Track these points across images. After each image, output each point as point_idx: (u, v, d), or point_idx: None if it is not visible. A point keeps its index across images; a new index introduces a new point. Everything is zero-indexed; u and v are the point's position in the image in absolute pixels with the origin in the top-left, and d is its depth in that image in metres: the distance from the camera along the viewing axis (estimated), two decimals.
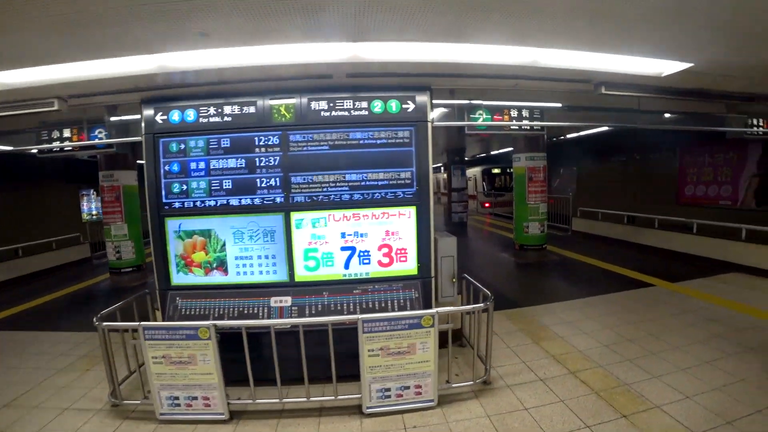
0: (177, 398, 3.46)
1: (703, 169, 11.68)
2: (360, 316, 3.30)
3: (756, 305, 5.46)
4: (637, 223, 10.47)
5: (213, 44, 3.04)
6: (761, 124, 6.19)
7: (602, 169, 15.04)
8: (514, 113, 4.72)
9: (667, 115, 6.86)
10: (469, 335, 4.51)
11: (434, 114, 4.58)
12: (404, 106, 3.93)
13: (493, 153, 19.03)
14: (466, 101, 4.64)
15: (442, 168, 22.18)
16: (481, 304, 3.67)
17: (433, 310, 3.36)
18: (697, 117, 5.78)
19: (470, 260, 9.12)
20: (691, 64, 3.73)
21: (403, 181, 3.97)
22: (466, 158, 20.82)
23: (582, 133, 11.20)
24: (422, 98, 3.94)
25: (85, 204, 17.25)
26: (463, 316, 4.57)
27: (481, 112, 4.61)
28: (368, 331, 3.30)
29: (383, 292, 4.00)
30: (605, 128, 10.29)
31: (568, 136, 11.89)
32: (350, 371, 3.39)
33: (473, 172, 22.81)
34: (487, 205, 20.92)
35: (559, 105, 5.11)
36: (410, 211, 3.99)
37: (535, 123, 4.80)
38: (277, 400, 3.49)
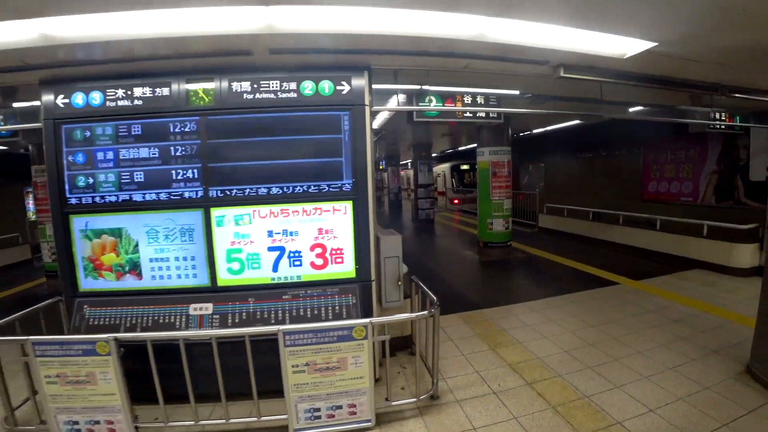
0: (77, 423, 2.93)
1: (666, 166, 11.71)
2: (281, 328, 2.80)
3: (717, 303, 5.28)
4: (603, 219, 10.38)
5: (105, 6, 2.49)
6: (724, 117, 6.04)
7: (569, 165, 15.00)
8: (467, 99, 4.30)
9: (631, 110, 6.67)
10: (417, 343, 4.08)
11: (381, 100, 4.11)
12: (338, 87, 3.44)
13: (461, 149, 18.76)
14: (416, 86, 4.19)
15: (410, 164, 21.87)
16: (425, 312, 3.24)
17: (366, 320, 2.90)
18: (661, 109, 5.55)
19: (433, 258, 8.76)
20: (655, 44, 3.40)
21: (337, 173, 3.49)
22: (435, 154, 20.64)
23: (549, 128, 11.03)
24: (359, 80, 3.46)
25: (31, 202, 16.18)
26: (413, 321, 4.14)
27: (431, 97, 4.17)
28: (291, 344, 2.82)
29: (317, 297, 3.51)
30: (572, 123, 10.14)
31: (536, 131, 11.72)
32: (278, 386, 2.91)
33: (442, 168, 22.62)
34: (456, 201, 20.73)
35: (517, 92, 4.73)
36: (346, 207, 3.51)
37: (491, 109, 4.39)
38: (193, 423, 2.97)
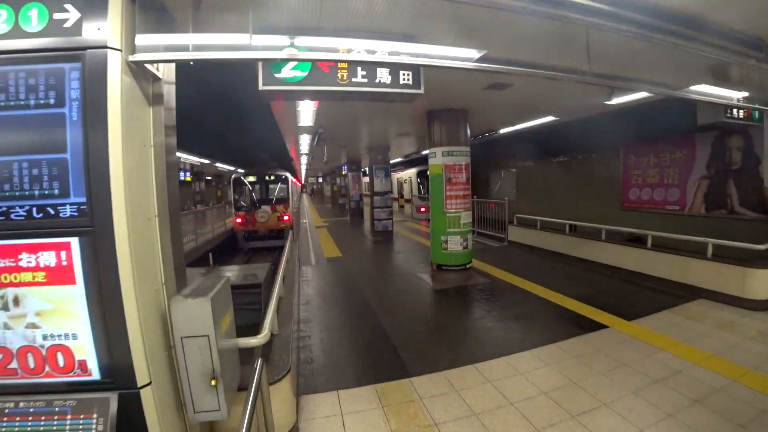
0: None
1: (649, 171, 10.37)
2: None
3: (748, 362, 3.69)
4: (581, 232, 8.87)
5: None
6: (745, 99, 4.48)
7: (542, 170, 13.56)
8: (359, 54, 2.54)
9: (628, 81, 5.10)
10: None
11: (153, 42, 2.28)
12: (57, 16, 1.68)
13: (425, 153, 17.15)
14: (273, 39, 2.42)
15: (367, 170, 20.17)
16: None
17: None
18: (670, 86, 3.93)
19: (373, 286, 6.97)
20: None
21: (49, 182, 1.70)
22: (400, 159, 18.92)
23: (519, 126, 9.45)
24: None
25: None
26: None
27: (292, 51, 2.38)
28: None
29: (30, 418, 1.70)
30: (544, 121, 8.59)
31: (503, 131, 10.14)
32: None
33: (408, 174, 21.05)
34: (422, 209, 19.09)
35: (458, 51, 3.01)
36: (69, 248, 1.72)
37: (399, 60, 2.61)
38: None
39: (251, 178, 17.94)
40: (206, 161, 15.20)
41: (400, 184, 22.48)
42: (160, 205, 2.06)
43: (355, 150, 14.25)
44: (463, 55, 2.99)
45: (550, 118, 8.33)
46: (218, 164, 18.16)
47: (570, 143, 11.36)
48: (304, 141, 10.58)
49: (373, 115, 7.59)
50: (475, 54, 3.05)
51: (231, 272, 7.31)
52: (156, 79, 2.10)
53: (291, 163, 23.48)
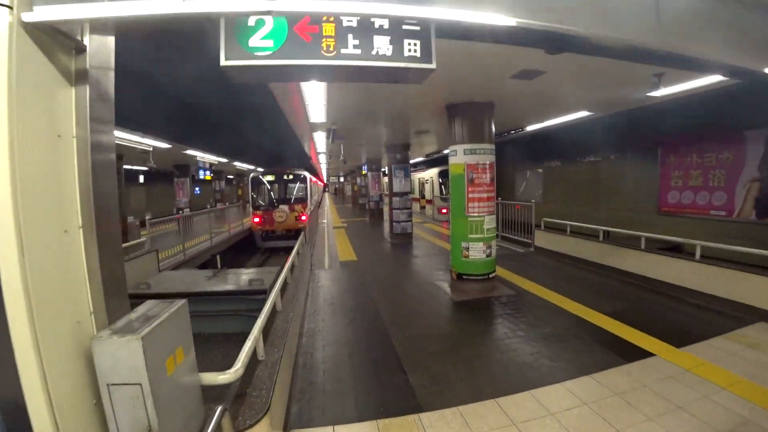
0: None
1: (691, 172, 9.50)
2: None
3: None
4: (614, 238, 8.14)
5: None
6: None
7: (571, 170, 12.76)
8: (348, 20, 2.03)
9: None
10: None
11: None
12: None
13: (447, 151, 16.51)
14: None
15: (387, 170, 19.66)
16: None
17: None
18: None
19: (388, 296, 6.46)
20: None
21: None
22: (421, 158, 18.38)
23: (547, 123, 8.78)
24: None
25: None
26: None
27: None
28: None
29: None
30: (576, 116, 7.91)
31: (531, 128, 9.47)
32: None
33: (429, 174, 20.47)
34: (444, 211, 18.48)
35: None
36: None
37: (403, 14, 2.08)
38: None
39: (269, 177, 17.71)
40: (223, 160, 14.96)
41: (422, 185, 21.89)
42: (85, 213, 1.62)
43: (374, 149, 13.78)
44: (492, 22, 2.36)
45: (583, 113, 7.64)
46: (237, 163, 17.98)
47: (602, 141, 10.56)
48: (320, 139, 10.18)
49: (389, 111, 7.08)
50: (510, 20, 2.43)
51: (237, 275, 6.95)
52: (80, 50, 1.65)
53: (310, 162, 23.23)
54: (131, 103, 7.89)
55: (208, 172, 19.35)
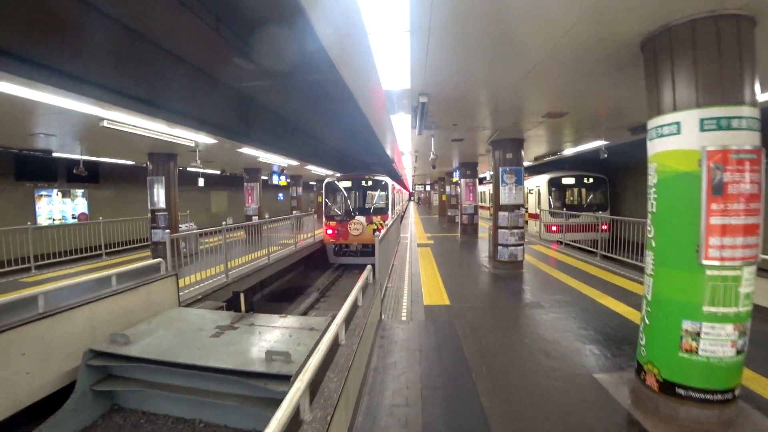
0: None
1: None
2: None
3: None
4: None
5: None
6: None
7: None
8: None
9: None
10: None
11: None
12: None
13: (561, 154, 12.55)
14: None
15: (489, 174, 16.19)
16: None
17: None
18: None
19: (510, 406, 3.35)
20: None
21: None
22: (526, 163, 14.72)
23: None
24: None
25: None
26: None
27: None
28: None
29: None
30: None
31: None
32: None
33: (535, 182, 16.81)
34: (554, 229, 14.71)
35: None
36: None
37: None
38: None
39: (346, 183, 15.42)
40: (293, 162, 12.93)
41: (524, 195, 18.22)
42: None
43: (470, 147, 10.67)
44: None
45: None
46: (310, 167, 16.04)
47: None
48: (402, 128, 7.41)
49: (515, 71, 4.06)
50: None
51: (259, 333, 4.45)
52: None
53: (392, 165, 20.73)
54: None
55: (283, 177, 17.70)
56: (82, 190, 15.44)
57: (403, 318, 5.62)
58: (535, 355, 4.36)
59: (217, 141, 8.12)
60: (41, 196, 14.21)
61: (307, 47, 5.44)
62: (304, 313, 10.25)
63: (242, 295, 5.09)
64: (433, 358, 4.31)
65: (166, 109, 6.44)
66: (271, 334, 4.31)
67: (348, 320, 3.69)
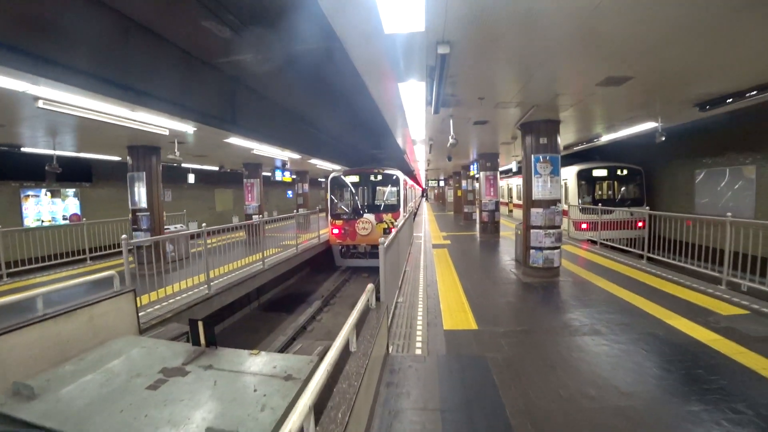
0: None
1: None
2: None
3: None
4: None
5: None
6: None
7: None
8: None
9: None
10: None
11: None
12: None
13: (593, 144, 10.90)
14: None
15: (515, 165, 14.64)
16: None
17: None
18: None
19: None
20: None
21: None
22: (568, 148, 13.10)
23: None
24: None
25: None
26: None
27: None
28: None
29: None
30: None
31: None
32: None
33: (561, 175, 15.22)
34: (584, 226, 13.17)
35: None
36: None
37: None
38: None
39: (353, 178, 14.08)
40: (294, 156, 11.66)
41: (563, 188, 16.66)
42: None
43: (493, 133, 9.21)
44: None
45: None
46: (314, 161, 14.78)
47: None
48: (414, 105, 6.02)
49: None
50: None
51: (225, 374, 3.17)
52: None
53: (404, 157, 19.34)
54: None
55: (287, 173, 16.46)
56: (74, 190, 14.43)
57: (418, 351, 4.26)
58: (609, 419, 2.97)
59: (195, 128, 6.86)
60: (28, 196, 13.24)
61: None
62: (304, 327, 8.99)
63: (201, 325, 3.78)
64: (461, 423, 2.96)
65: (120, 87, 5.19)
66: (229, 386, 2.98)
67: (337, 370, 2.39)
